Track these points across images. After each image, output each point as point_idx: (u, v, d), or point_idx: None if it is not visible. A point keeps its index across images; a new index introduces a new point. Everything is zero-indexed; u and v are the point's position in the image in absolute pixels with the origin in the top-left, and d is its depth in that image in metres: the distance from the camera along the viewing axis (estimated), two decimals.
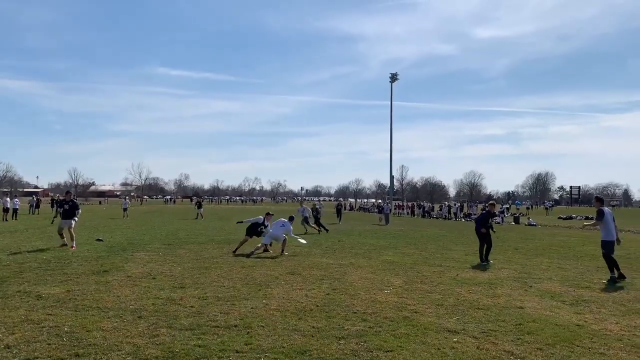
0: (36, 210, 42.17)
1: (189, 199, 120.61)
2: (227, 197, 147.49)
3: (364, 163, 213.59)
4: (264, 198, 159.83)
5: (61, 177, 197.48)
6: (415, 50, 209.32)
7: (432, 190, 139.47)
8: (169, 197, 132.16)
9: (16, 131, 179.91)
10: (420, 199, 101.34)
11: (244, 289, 8.69)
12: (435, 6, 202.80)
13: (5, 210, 32.68)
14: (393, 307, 7.48)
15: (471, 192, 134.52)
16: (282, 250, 13.91)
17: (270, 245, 14.40)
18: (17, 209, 33.22)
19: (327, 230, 23.12)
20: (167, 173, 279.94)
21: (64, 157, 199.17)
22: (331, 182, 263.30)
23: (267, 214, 15.40)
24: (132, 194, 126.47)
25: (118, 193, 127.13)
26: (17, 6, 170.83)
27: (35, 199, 45.08)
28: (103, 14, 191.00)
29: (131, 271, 10.39)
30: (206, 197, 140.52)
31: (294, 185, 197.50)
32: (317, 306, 7.41)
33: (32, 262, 11.33)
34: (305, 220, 23.79)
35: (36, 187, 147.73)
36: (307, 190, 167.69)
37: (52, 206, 37.38)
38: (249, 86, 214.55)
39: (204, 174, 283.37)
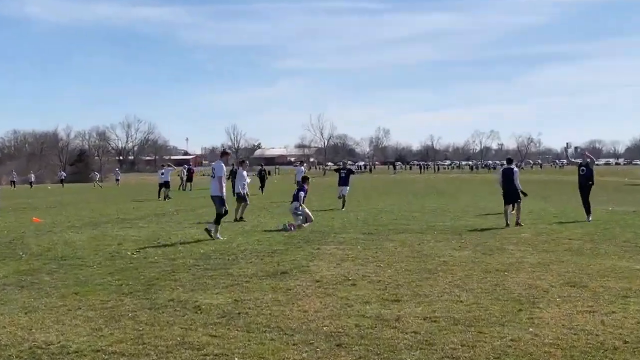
0: (187, 184, 46.14)
1: (391, 166, 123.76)
2: (447, 162, 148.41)
3: None
4: (504, 162, 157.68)
5: (217, 138, 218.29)
6: None
7: None
8: (362, 163, 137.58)
9: (157, 75, 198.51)
10: None
11: (493, 307, 8.38)
12: None
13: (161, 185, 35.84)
14: None
15: None
16: None
17: None
18: (167, 181, 35.97)
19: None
20: (358, 129, 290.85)
21: (219, 109, 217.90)
22: (618, 135, 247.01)
23: None
24: (312, 159, 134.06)
25: (292, 159, 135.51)
26: None
27: (186, 169, 48.72)
28: None
29: (320, 273, 10.81)
30: (415, 162, 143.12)
31: (553, 142, 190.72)
32: (626, 342, 6.73)
33: (186, 258, 12.41)
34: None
35: (186, 153, 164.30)
36: (576, 148, 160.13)
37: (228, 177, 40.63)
38: None
39: (411, 129, 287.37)
